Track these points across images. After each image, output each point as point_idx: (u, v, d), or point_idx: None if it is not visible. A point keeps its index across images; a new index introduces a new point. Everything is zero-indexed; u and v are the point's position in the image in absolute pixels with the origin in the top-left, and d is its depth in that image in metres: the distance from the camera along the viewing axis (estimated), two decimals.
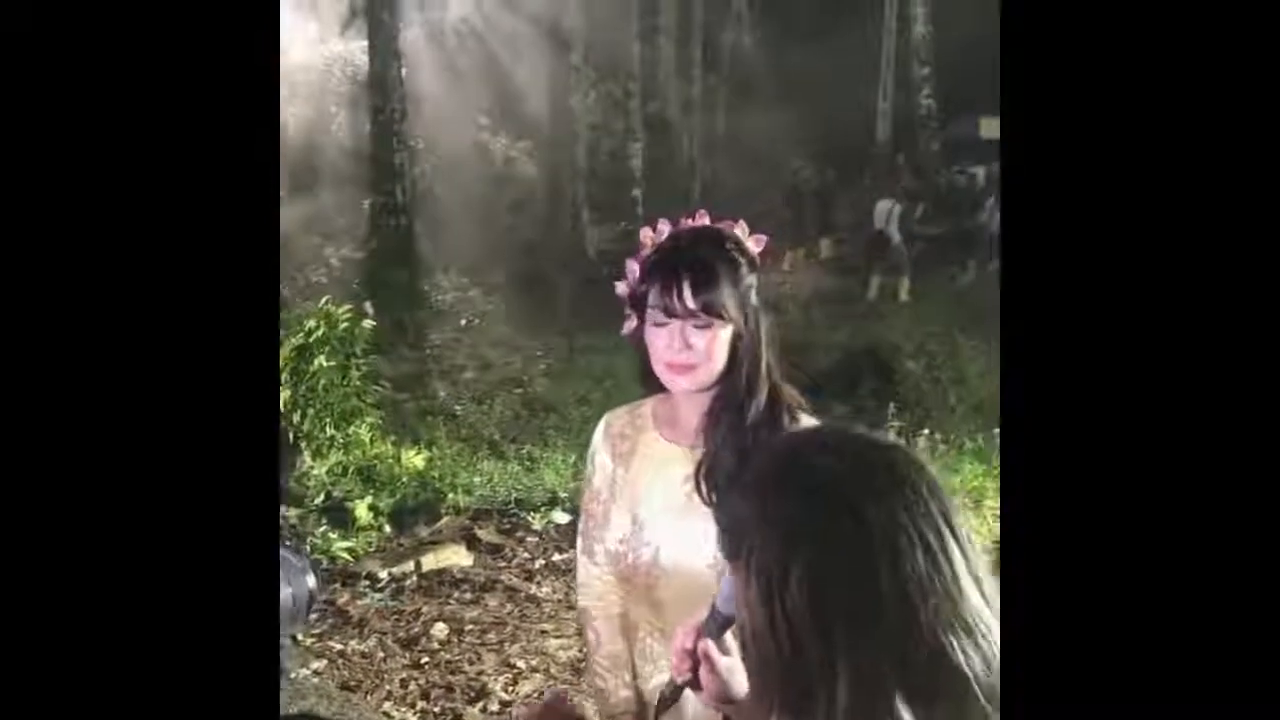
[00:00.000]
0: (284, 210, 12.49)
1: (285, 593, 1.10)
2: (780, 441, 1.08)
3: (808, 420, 1.90)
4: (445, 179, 13.33)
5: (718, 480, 1.64)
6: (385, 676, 4.01)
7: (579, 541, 1.99)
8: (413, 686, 3.95)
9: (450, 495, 5.82)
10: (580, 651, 4.19)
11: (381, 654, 4.19)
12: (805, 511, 0.95)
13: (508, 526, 5.57)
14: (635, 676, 1.92)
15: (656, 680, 1.92)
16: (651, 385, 1.97)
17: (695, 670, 1.25)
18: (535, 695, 3.89)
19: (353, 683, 3.97)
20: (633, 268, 1.89)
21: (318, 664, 4.08)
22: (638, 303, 1.85)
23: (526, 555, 5.21)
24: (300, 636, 4.01)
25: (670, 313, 1.76)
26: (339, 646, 4.23)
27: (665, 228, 1.90)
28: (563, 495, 5.81)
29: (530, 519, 5.57)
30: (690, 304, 1.74)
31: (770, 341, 1.86)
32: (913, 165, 14.16)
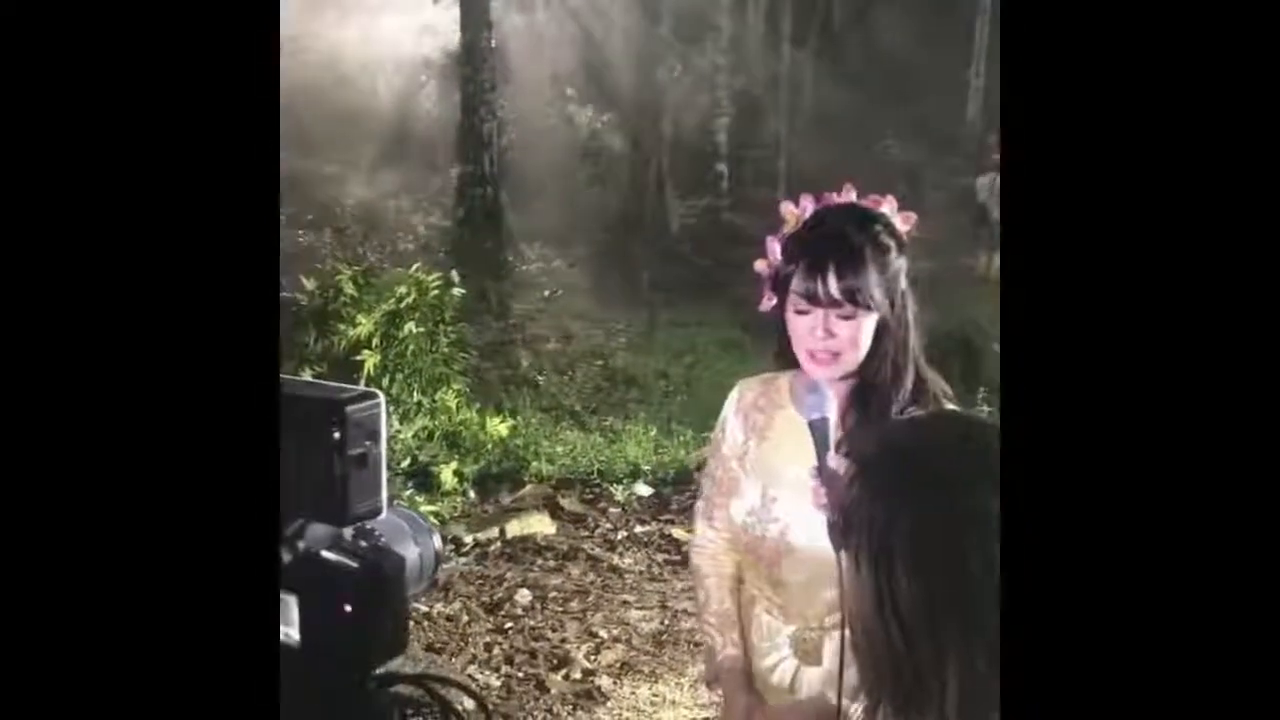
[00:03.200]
0: (374, 178, 12.70)
1: (412, 552, 1.11)
2: (889, 427, 1.05)
3: (951, 408, 1.85)
4: (532, 150, 13.39)
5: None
6: (470, 640, 4.08)
7: (699, 503, 2.01)
8: (496, 651, 4.01)
9: (534, 463, 5.87)
10: (661, 624, 4.22)
11: (466, 617, 4.26)
12: (910, 498, 0.92)
13: (590, 497, 5.61)
14: (744, 638, 1.93)
15: (774, 658, 1.91)
16: (786, 362, 1.93)
17: None
18: (617, 665, 3.92)
19: (437, 645, 4.04)
20: (773, 246, 1.84)
21: None
22: (779, 283, 1.81)
23: (609, 526, 5.25)
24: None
25: (814, 300, 1.71)
26: (424, 608, 4.31)
27: (809, 205, 1.84)
28: (645, 468, 5.83)
29: (613, 490, 5.60)
30: (835, 293, 1.70)
31: (917, 326, 1.81)
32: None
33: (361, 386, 0.98)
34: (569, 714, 3.62)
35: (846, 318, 1.71)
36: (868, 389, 1.78)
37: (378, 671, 1.04)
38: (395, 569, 1.01)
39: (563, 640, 4.10)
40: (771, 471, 1.87)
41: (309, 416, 0.94)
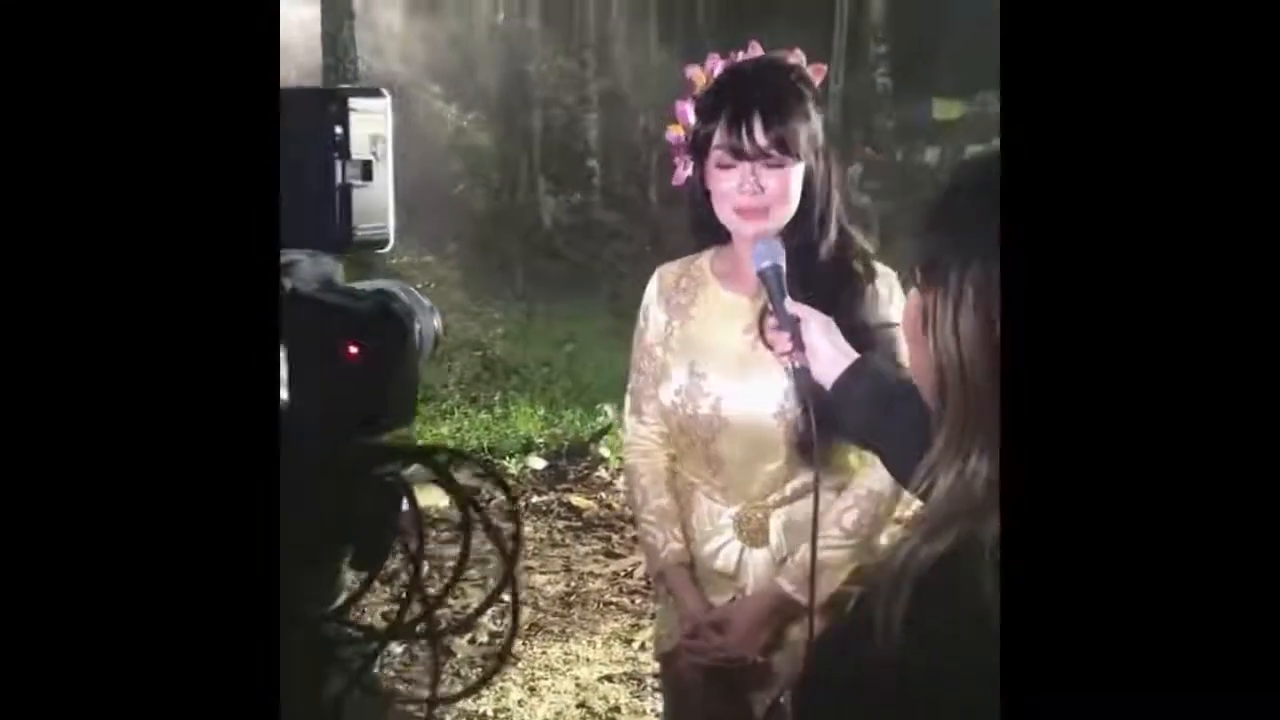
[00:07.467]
0: None
1: (414, 329, 0.97)
2: (974, 155, 0.98)
3: (881, 268, 1.81)
4: (397, 145, 13.06)
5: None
6: (366, 610, 3.85)
7: (627, 400, 1.96)
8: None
9: (419, 442, 5.63)
10: (568, 586, 4.08)
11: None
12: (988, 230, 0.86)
13: (481, 472, 5.40)
14: (686, 531, 1.86)
15: (715, 542, 1.83)
16: (704, 237, 1.90)
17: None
18: (525, 626, 3.76)
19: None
20: (684, 108, 1.81)
21: None
22: (697, 145, 1.75)
23: (504, 498, 5.06)
24: None
25: (739, 154, 1.66)
26: None
27: (716, 63, 1.81)
28: (538, 441, 5.66)
29: (505, 464, 5.42)
30: (763, 142, 1.65)
31: (840, 183, 1.81)
32: (869, 143, 14.16)
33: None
34: (478, 676, 3.44)
35: (775, 167, 1.66)
36: (797, 248, 1.71)
37: (384, 440, 0.89)
38: (405, 313, 0.86)
39: (465, 606, 3.90)
40: (698, 347, 1.81)
41: (304, 110, 0.78)
